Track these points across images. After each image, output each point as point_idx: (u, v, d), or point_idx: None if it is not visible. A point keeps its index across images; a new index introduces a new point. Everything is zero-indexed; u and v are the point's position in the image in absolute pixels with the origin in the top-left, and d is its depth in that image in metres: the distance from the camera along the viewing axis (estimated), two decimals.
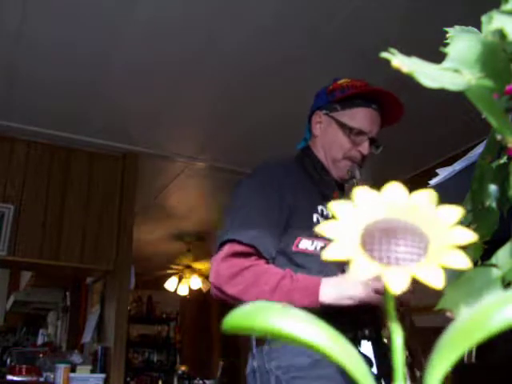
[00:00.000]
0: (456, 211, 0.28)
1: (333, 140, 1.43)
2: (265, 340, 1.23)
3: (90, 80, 2.77)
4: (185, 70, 2.67)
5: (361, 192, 0.30)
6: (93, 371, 3.19)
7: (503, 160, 0.44)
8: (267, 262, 1.23)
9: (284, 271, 1.20)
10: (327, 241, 1.28)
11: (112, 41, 2.44)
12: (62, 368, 3.10)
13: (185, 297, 6.58)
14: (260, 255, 1.23)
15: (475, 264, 0.46)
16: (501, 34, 0.35)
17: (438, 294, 0.42)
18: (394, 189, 0.30)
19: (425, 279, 0.25)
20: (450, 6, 2.09)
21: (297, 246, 1.28)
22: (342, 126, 1.41)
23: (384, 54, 0.33)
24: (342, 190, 1.48)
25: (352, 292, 1.14)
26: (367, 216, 0.29)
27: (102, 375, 3.14)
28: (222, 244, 1.25)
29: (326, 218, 1.35)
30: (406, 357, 1.11)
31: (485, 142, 0.49)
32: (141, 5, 2.21)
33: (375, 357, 1.28)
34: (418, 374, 1.09)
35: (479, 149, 0.81)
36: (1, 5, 2.21)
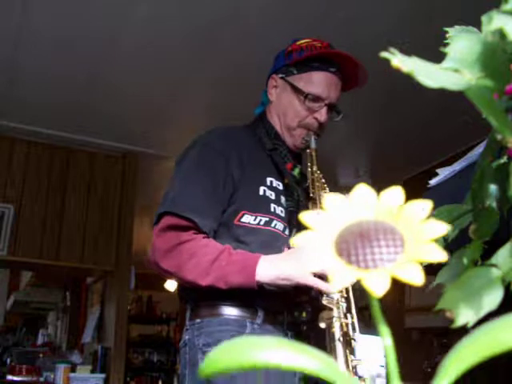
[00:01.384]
0: (425, 205, 0.28)
1: (288, 106, 1.33)
2: (198, 314, 1.19)
3: (90, 80, 2.77)
4: (185, 70, 2.67)
5: (329, 198, 0.29)
6: (93, 371, 3.19)
7: (503, 160, 0.44)
8: (207, 236, 1.16)
9: (223, 246, 1.14)
10: (272, 215, 1.23)
11: (112, 40, 2.44)
12: (61, 368, 3.11)
13: None
14: (198, 229, 1.15)
15: (475, 264, 0.46)
16: (501, 34, 0.35)
17: (437, 294, 0.42)
18: (362, 191, 0.30)
19: (405, 278, 0.25)
20: (450, 5, 2.09)
21: (239, 220, 1.21)
22: (298, 91, 1.31)
23: (384, 54, 0.33)
24: (297, 159, 1.39)
25: (289, 272, 1.07)
26: (339, 222, 0.28)
27: (102, 375, 3.14)
28: (160, 216, 1.18)
29: (275, 190, 1.27)
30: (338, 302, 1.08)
31: (485, 142, 0.49)
32: (140, 4, 2.21)
33: (311, 344, 1.24)
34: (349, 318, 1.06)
35: (479, 149, 0.81)
36: (1, 6, 2.21)
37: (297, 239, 0.28)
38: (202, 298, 1.19)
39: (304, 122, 1.32)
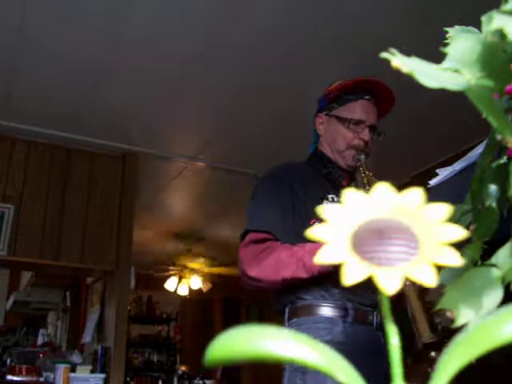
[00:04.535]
0: (444, 208, 0.28)
1: (335, 134, 1.57)
2: (296, 313, 1.39)
3: (90, 80, 2.77)
4: (185, 71, 2.67)
5: (349, 194, 0.29)
6: (93, 371, 3.18)
7: (503, 160, 0.44)
8: (283, 243, 1.39)
9: (296, 245, 1.35)
10: None
11: (112, 42, 2.44)
12: (61, 368, 3.10)
13: (185, 297, 6.58)
14: (275, 238, 1.40)
15: (475, 264, 0.46)
16: (501, 34, 0.35)
17: (437, 294, 0.42)
18: (383, 189, 0.30)
19: (417, 278, 0.25)
20: (450, 5, 2.09)
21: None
22: (341, 119, 1.56)
23: (384, 54, 0.33)
24: (351, 178, 1.60)
25: None
26: (357, 217, 0.29)
27: (102, 375, 3.14)
28: (243, 236, 1.44)
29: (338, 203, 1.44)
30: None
31: (485, 142, 0.49)
32: (140, 7, 2.21)
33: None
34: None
35: (479, 149, 0.81)
36: (0, 4, 2.21)
37: (313, 231, 0.28)
38: (299, 299, 1.39)
39: (351, 143, 1.55)
